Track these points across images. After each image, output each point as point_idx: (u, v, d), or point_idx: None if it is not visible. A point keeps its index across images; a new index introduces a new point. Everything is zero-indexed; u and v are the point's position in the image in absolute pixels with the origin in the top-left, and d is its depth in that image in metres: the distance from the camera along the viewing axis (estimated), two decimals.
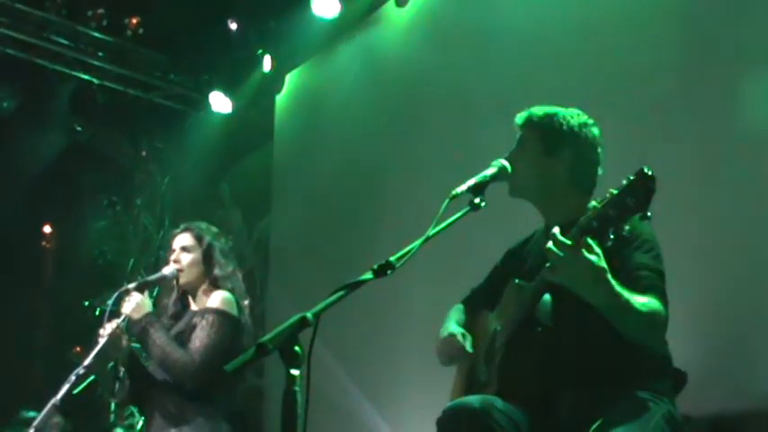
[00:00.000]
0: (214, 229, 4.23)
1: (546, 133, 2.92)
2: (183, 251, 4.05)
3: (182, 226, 4.20)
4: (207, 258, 4.06)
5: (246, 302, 4.06)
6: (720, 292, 4.00)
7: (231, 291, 3.99)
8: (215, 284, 4.02)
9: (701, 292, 3.93)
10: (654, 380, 2.68)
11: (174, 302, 4.11)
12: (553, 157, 2.90)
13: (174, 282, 4.06)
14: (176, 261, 4.04)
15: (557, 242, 2.41)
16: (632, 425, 2.50)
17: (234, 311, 3.92)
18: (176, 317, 4.07)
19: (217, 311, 3.86)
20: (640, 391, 2.63)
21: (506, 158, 2.87)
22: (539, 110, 2.99)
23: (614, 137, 3.21)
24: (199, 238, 4.09)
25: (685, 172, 4.13)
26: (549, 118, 2.95)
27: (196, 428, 3.77)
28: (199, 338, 3.78)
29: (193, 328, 3.85)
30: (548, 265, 2.50)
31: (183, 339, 3.83)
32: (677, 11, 4.54)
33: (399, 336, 5.83)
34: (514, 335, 2.76)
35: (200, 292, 4.05)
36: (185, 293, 4.11)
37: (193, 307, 4.05)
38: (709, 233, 4.08)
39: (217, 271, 4.04)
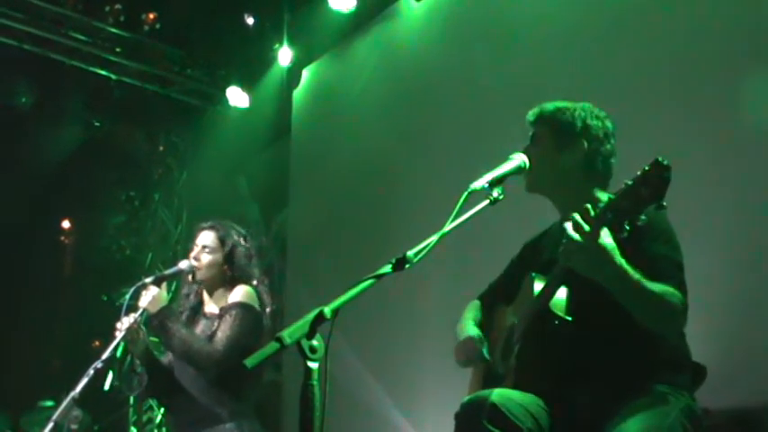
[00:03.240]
0: (241, 230, 4.19)
1: (558, 128, 2.92)
2: (203, 250, 4.03)
3: (209, 222, 4.16)
4: (228, 261, 4.04)
5: (268, 309, 4.04)
6: (740, 286, 3.97)
7: (254, 287, 3.99)
8: (235, 283, 4.01)
9: (721, 286, 3.90)
10: (672, 373, 2.66)
11: (191, 296, 4.11)
12: (566, 150, 2.89)
13: (190, 276, 4.06)
14: (196, 259, 4.02)
15: (576, 227, 2.41)
16: (651, 418, 2.49)
17: (255, 304, 3.92)
18: (193, 310, 4.08)
19: (239, 305, 3.87)
20: (659, 384, 2.61)
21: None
22: (549, 105, 2.99)
23: (632, 132, 3.19)
24: (222, 240, 4.06)
25: (711, 168, 4.11)
26: (561, 112, 2.94)
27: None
28: (221, 330, 3.80)
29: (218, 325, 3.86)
30: (561, 249, 2.49)
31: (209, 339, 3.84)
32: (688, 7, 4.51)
33: (418, 328, 5.83)
34: (531, 328, 2.75)
35: (219, 291, 4.05)
36: (202, 288, 4.11)
37: (210, 305, 4.05)
38: (732, 227, 4.06)
39: (237, 274, 4.03)
